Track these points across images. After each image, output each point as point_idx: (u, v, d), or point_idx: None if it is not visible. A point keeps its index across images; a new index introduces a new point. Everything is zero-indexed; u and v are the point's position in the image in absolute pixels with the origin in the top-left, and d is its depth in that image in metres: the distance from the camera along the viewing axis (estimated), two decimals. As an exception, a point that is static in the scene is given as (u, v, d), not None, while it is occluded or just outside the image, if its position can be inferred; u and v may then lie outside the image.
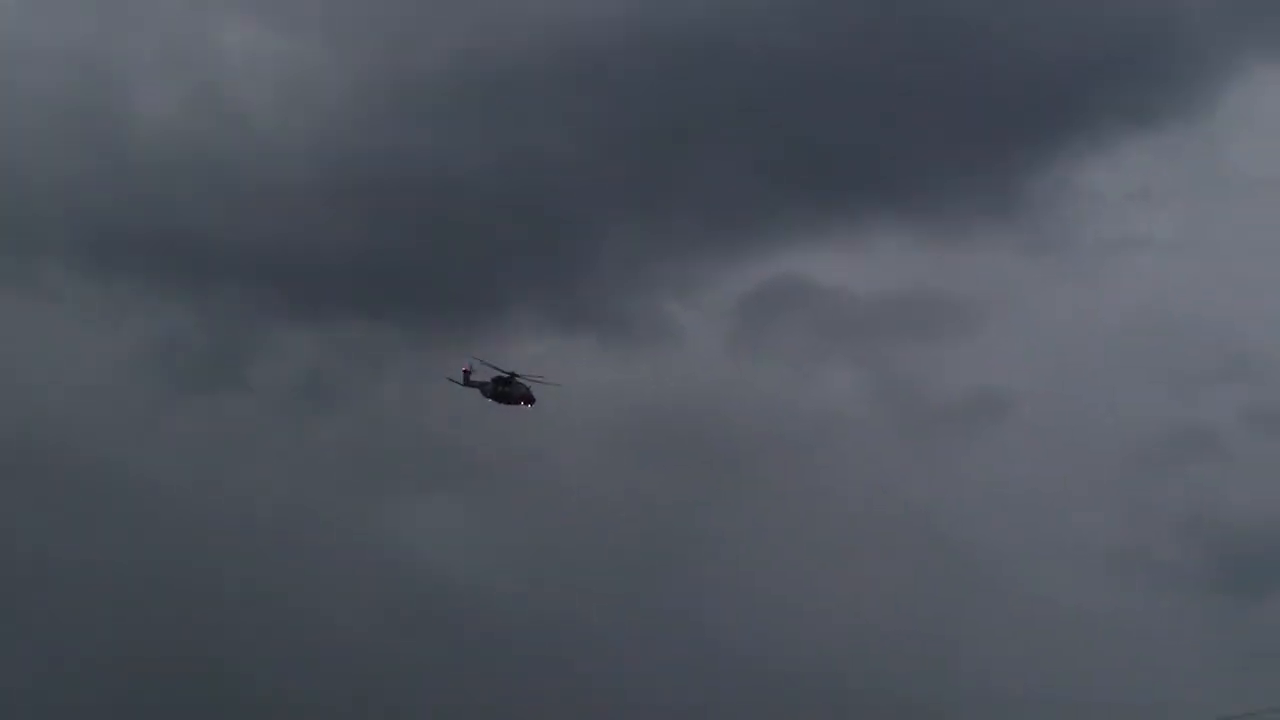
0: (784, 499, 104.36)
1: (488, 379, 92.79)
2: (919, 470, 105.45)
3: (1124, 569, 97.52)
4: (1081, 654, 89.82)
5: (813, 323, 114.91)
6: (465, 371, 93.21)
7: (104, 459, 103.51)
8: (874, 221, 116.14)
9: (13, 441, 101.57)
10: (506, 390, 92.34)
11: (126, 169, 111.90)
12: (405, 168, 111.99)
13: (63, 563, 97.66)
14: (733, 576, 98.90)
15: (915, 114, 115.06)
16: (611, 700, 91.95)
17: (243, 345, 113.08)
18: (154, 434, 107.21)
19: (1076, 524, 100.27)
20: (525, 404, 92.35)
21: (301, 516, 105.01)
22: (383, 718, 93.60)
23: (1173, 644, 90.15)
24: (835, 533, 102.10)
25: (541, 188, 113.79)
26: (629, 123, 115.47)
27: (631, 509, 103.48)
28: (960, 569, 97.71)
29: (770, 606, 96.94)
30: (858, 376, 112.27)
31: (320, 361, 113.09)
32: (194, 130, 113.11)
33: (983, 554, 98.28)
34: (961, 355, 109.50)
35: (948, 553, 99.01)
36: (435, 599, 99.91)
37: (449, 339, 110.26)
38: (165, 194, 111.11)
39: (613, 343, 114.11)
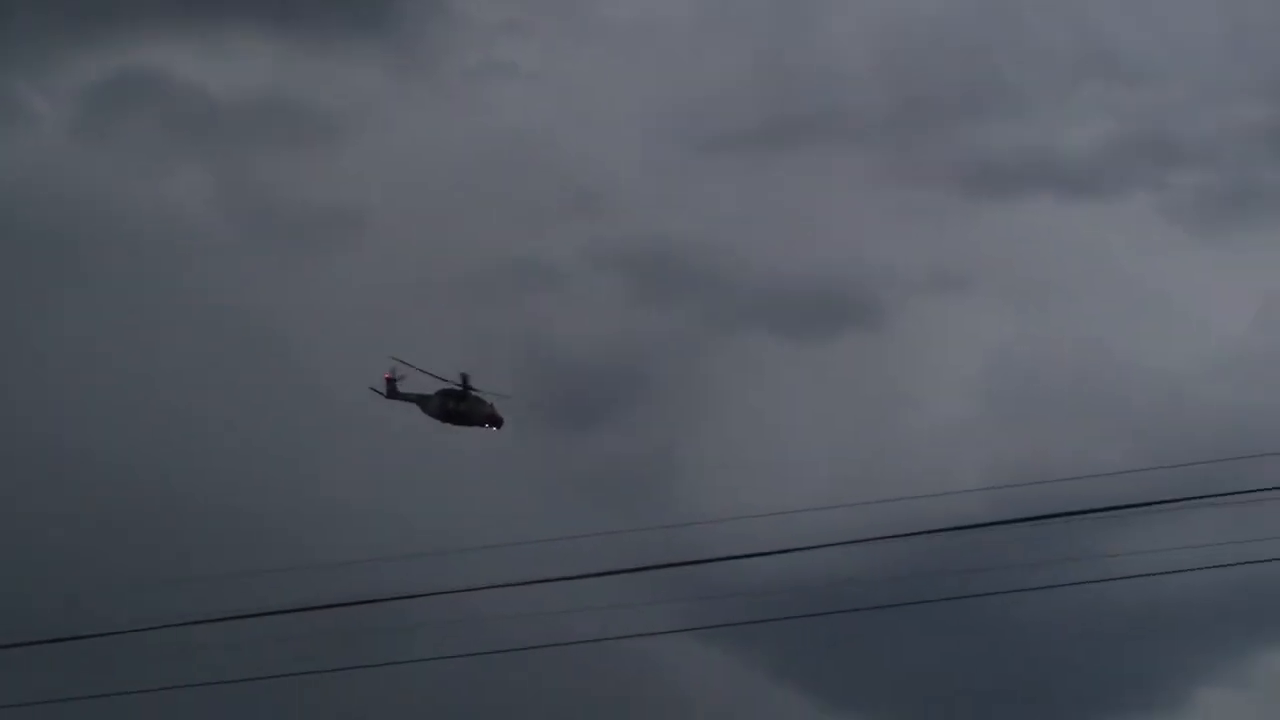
0: (121, 299, 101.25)
1: (430, 391, 71.74)
2: (265, 281, 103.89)
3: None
4: (409, 475, 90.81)
5: (166, 119, 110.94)
6: (388, 379, 71.94)
7: None
8: (238, 20, 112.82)
9: None
10: (459, 408, 71.06)
11: None
12: None
13: None
14: (57, 376, 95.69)
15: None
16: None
17: None
18: None
19: (416, 348, 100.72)
20: (491, 426, 70.61)
21: None
22: None
23: (501, 470, 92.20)
24: (175, 338, 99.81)
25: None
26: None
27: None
28: (300, 386, 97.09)
29: (99, 411, 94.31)
30: (209, 180, 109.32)
31: None
32: None
33: (323, 373, 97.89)
34: (318, 168, 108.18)
35: (288, 368, 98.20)
36: None
37: None
38: None
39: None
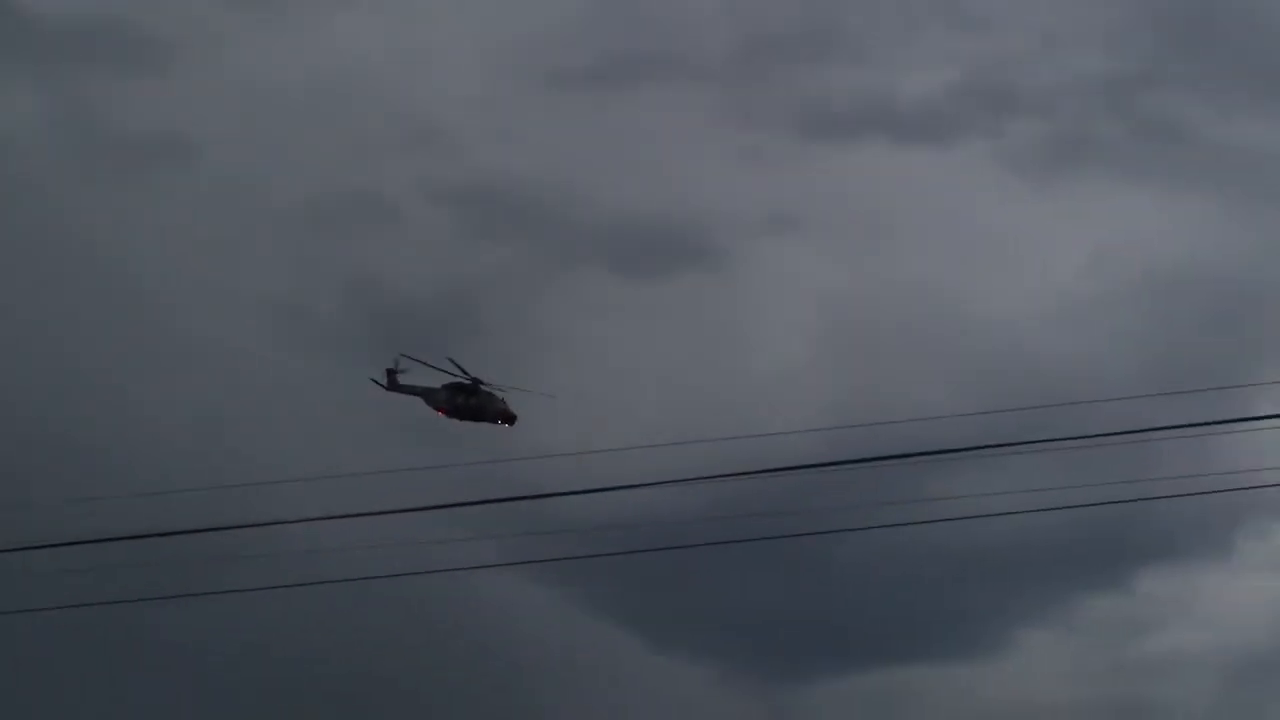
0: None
1: (436, 385, 66.90)
2: (99, 208, 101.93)
3: (291, 325, 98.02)
4: (238, 404, 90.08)
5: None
6: (389, 371, 67.58)
7: None
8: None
9: None
10: (469, 403, 66.24)
11: None
12: None
13: None
14: None
15: None
16: None
17: None
18: None
19: (250, 278, 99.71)
20: (503, 423, 66.07)
21: None
22: None
23: (331, 403, 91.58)
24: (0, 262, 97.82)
25: None
26: None
27: None
28: (136, 313, 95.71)
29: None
30: (38, 104, 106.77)
31: None
32: None
33: (160, 299, 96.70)
34: (152, 94, 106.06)
35: (124, 296, 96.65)
36: None
37: None
38: None
39: None
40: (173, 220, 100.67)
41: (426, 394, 67.07)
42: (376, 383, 68.25)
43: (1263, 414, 41.04)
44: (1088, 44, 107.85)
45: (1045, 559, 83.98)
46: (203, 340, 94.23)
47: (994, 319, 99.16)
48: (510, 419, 65.65)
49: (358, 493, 48.34)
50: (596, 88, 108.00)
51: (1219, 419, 40.92)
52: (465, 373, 64.54)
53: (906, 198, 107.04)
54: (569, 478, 48.81)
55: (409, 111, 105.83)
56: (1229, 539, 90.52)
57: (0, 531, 46.01)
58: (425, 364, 65.69)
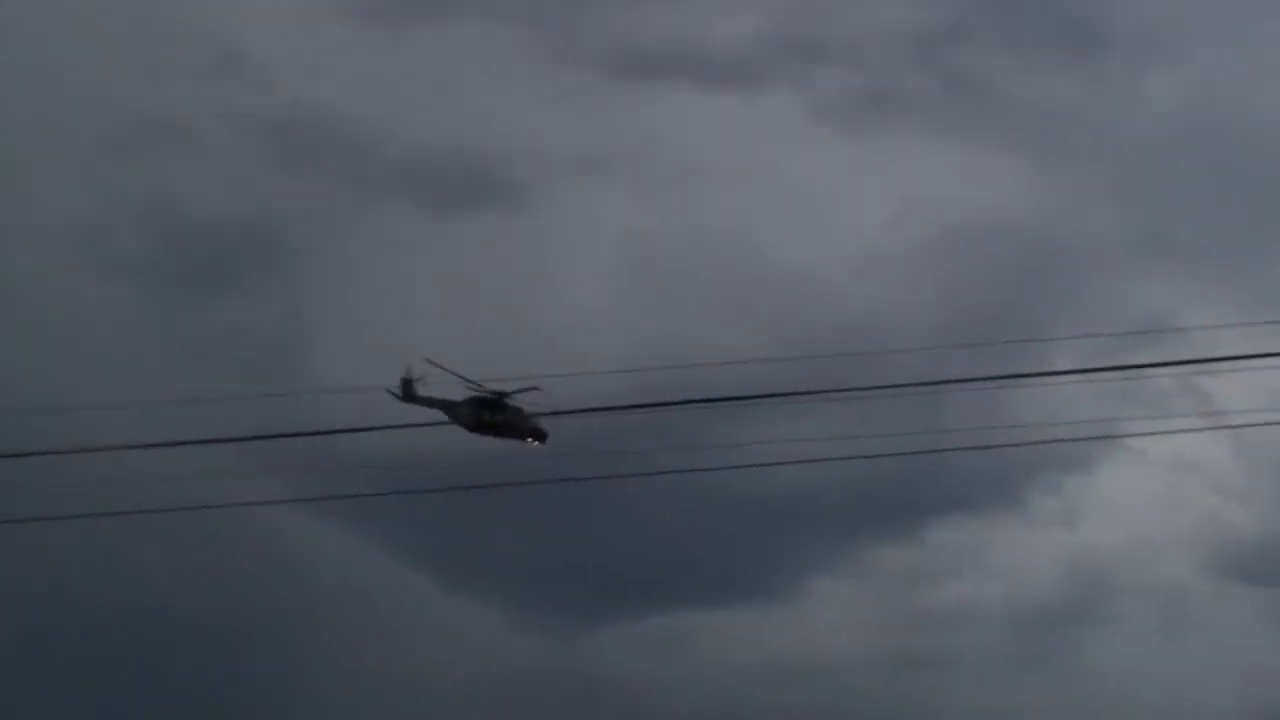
0: None
1: (458, 398, 58.87)
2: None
3: (85, 254, 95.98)
4: (37, 335, 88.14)
5: None
6: (405, 381, 60.11)
7: None
8: None
9: None
10: (495, 420, 58.75)
11: None
12: None
13: None
14: None
15: None
16: None
17: None
18: None
19: (41, 203, 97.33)
20: (534, 441, 58.28)
21: None
22: None
23: (123, 330, 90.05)
24: None
25: None
26: None
27: None
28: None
29: None
30: None
31: None
32: None
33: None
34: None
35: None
36: None
37: None
38: None
39: None
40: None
41: (447, 408, 59.98)
42: (392, 394, 61.23)
43: (1059, 369, 41.63)
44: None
45: (839, 507, 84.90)
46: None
47: (798, 267, 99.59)
48: (542, 436, 58.49)
49: (152, 423, 47.49)
50: (405, 20, 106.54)
51: (1015, 372, 41.41)
52: (497, 393, 60.88)
53: (714, 144, 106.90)
54: (366, 414, 48.25)
55: (213, 36, 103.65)
56: (1022, 492, 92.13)
57: None
58: (450, 372, 60.79)
